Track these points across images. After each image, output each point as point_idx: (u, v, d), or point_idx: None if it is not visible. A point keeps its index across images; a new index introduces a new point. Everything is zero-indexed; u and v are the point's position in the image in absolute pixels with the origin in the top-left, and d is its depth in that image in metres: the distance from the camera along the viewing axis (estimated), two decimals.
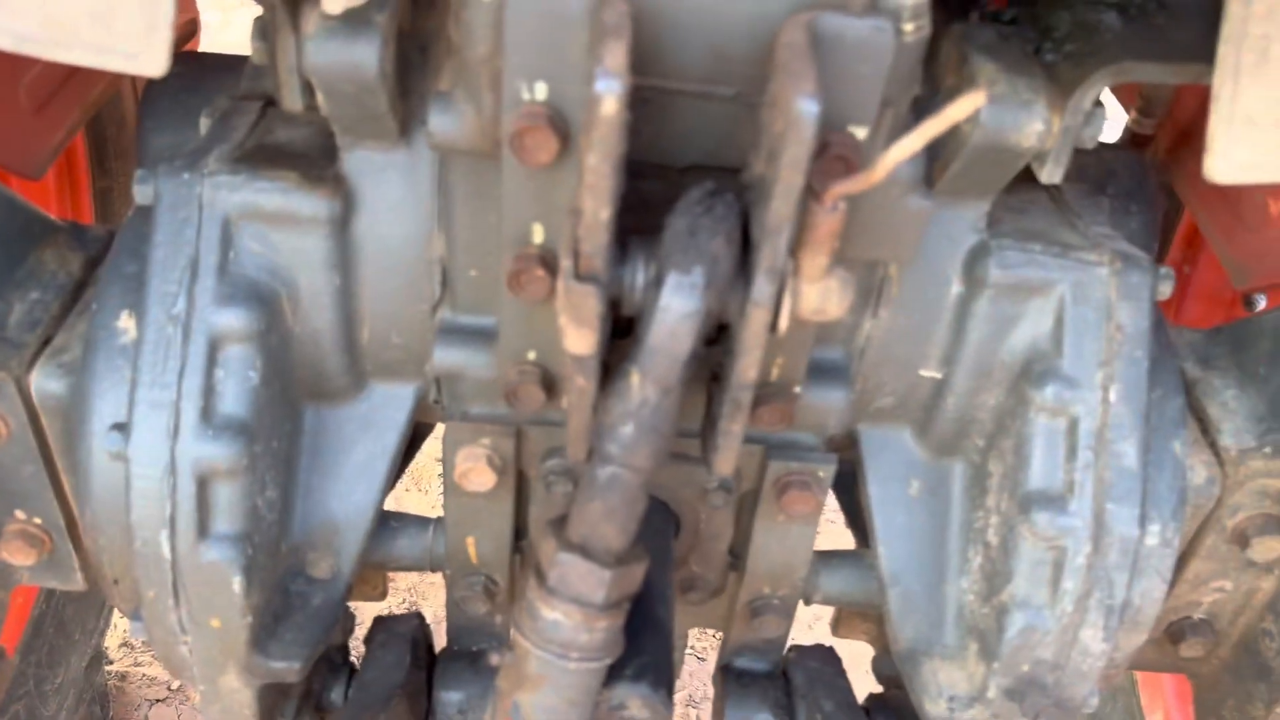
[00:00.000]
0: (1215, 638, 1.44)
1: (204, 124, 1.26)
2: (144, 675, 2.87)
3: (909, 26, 0.89)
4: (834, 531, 2.21)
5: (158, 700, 2.83)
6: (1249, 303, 2.11)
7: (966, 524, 1.28)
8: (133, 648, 2.94)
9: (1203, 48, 0.93)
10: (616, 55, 0.79)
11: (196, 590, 1.13)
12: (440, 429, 1.34)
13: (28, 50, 0.87)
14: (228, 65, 1.43)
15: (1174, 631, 1.44)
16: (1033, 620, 1.17)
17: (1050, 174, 1.07)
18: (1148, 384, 1.15)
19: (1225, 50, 0.87)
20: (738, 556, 1.40)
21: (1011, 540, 1.18)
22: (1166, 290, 1.17)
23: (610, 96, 0.78)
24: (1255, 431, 1.27)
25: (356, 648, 1.45)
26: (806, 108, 0.78)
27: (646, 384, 0.92)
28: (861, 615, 1.63)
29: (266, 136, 1.21)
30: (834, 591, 1.45)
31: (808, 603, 1.45)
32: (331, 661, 1.44)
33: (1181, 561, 1.35)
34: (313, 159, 1.17)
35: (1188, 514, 1.28)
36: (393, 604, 3.06)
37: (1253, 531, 1.29)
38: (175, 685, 2.88)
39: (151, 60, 0.87)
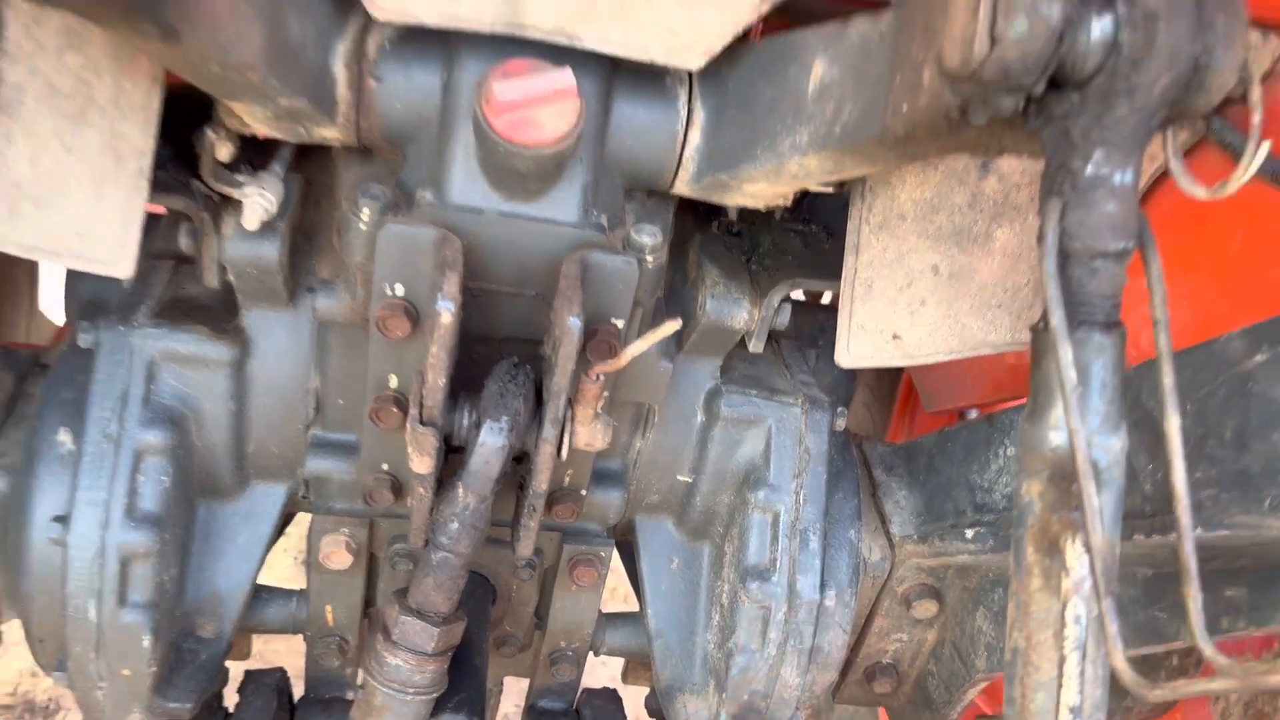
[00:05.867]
0: (899, 678, 1.92)
1: None
2: None
3: (650, 258, 1.34)
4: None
5: None
6: (962, 415, 2.67)
7: (710, 591, 1.73)
8: None
9: None
10: (452, 284, 1.21)
11: (114, 646, 1.45)
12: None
13: (32, 256, 1.23)
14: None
15: (869, 673, 1.92)
16: (749, 661, 1.61)
17: (755, 346, 1.55)
18: (829, 490, 1.63)
19: (844, 285, 1.36)
20: (541, 618, 1.81)
21: (736, 602, 1.62)
22: (841, 424, 1.66)
23: (447, 312, 1.20)
24: (914, 523, 1.76)
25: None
26: (574, 324, 1.21)
27: (468, 494, 1.33)
28: (644, 665, 2.05)
29: (180, 291, 1.56)
30: (616, 644, 1.86)
31: (596, 653, 1.86)
32: (211, 706, 1.75)
33: (869, 619, 1.83)
34: (218, 312, 1.53)
35: (867, 584, 1.75)
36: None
37: (914, 596, 1.78)
38: None
39: (124, 267, 1.24)
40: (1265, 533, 1.04)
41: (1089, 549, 0.85)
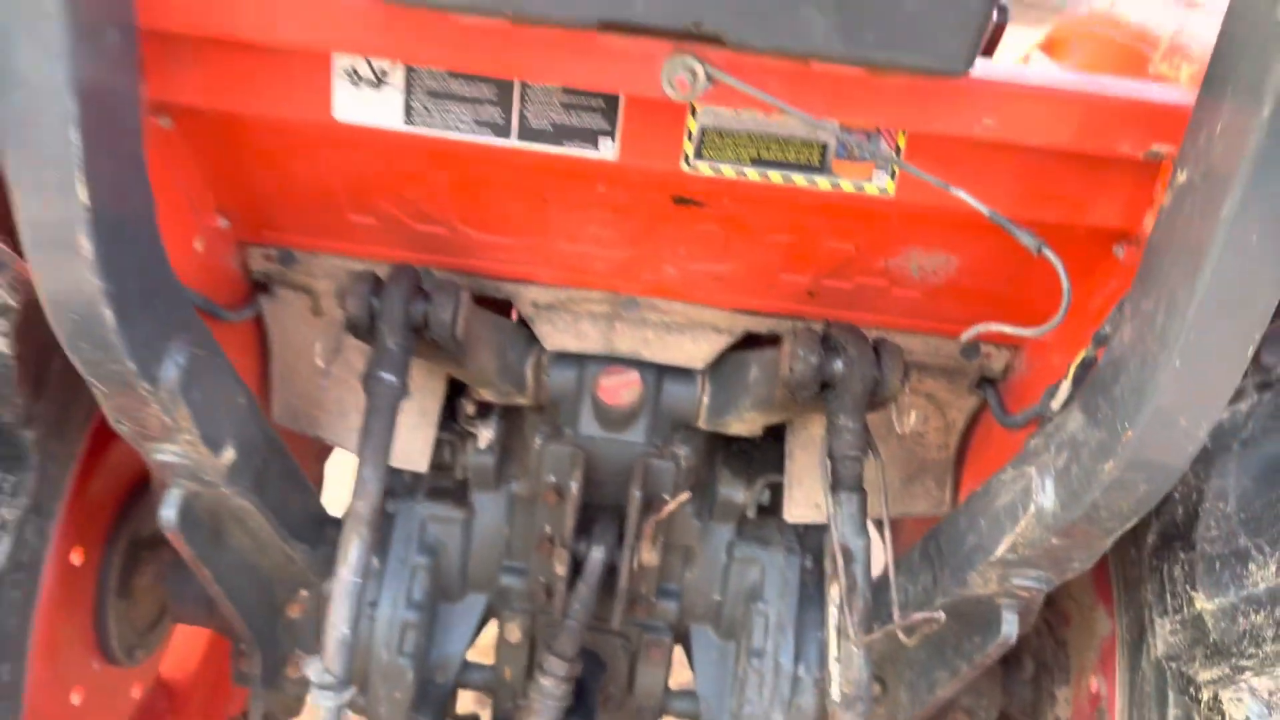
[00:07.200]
0: None
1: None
2: None
3: (683, 462, 2.55)
4: None
5: None
6: None
7: (734, 672, 2.80)
8: None
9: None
10: (578, 476, 2.45)
11: (393, 678, 2.65)
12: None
13: (294, 428, 2.55)
14: None
15: None
16: (752, 709, 2.67)
17: (750, 514, 2.71)
18: (802, 605, 2.72)
19: (786, 478, 2.54)
20: (631, 683, 2.91)
21: (747, 675, 2.70)
22: (809, 565, 2.76)
23: (574, 488, 2.44)
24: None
25: None
26: (636, 494, 2.43)
27: (583, 586, 2.51)
28: None
29: (438, 482, 2.85)
30: (680, 709, 2.93)
31: (666, 712, 2.93)
32: None
33: None
34: (459, 493, 2.80)
35: None
36: None
37: None
38: None
39: (423, 465, 2.54)
40: (964, 595, 2.11)
41: (840, 586, 1.98)
